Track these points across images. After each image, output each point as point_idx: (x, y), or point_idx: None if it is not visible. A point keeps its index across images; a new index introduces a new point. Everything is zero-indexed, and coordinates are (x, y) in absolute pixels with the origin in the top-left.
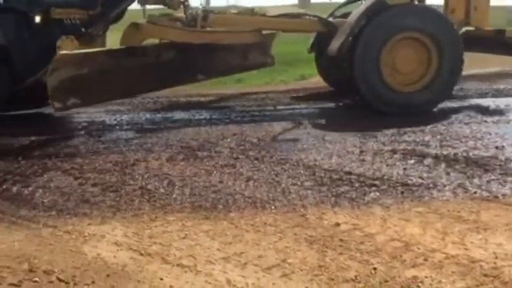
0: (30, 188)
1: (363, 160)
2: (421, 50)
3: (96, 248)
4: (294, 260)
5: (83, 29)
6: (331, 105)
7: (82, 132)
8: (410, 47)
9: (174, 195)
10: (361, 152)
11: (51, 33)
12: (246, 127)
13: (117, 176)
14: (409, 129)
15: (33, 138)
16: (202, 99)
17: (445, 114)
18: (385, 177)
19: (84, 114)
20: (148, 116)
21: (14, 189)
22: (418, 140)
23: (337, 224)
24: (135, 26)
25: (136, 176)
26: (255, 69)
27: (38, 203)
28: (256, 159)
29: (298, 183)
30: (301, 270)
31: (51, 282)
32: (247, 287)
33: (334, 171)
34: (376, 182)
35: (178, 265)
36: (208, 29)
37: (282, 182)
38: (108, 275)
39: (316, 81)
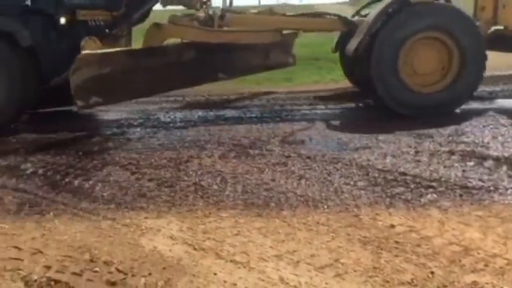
0: (90, 182)
1: (419, 161)
2: (442, 50)
3: (152, 241)
4: (347, 260)
5: (107, 30)
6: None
7: (138, 129)
8: (431, 46)
9: (226, 192)
10: (417, 152)
11: (77, 34)
12: (297, 125)
13: (171, 172)
14: (467, 129)
15: (92, 133)
16: (253, 97)
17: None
18: (443, 179)
19: (140, 112)
20: (200, 113)
21: (76, 182)
22: (477, 141)
23: (392, 226)
24: (156, 26)
25: (190, 172)
26: (276, 69)
27: (98, 196)
28: (308, 157)
29: (351, 182)
30: (355, 271)
31: (110, 272)
32: (300, 286)
33: (389, 172)
34: (433, 184)
35: (231, 261)
36: (225, 28)
37: (334, 181)
38: (164, 268)
39: None
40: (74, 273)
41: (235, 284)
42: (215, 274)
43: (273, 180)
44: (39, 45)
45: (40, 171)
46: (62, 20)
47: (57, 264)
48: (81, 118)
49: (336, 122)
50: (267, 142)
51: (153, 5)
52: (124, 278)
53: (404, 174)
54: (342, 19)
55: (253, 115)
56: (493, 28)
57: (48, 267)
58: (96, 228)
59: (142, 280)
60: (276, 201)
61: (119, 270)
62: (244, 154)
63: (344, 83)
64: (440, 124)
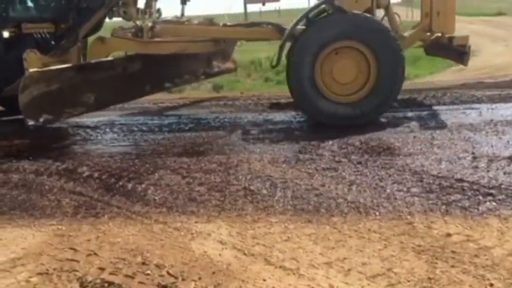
0: (143, 185)
1: (476, 167)
2: (360, 61)
3: (202, 246)
4: (400, 269)
5: (53, 42)
6: (440, 108)
7: (188, 133)
8: (350, 56)
9: (276, 197)
10: (474, 158)
11: (25, 46)
12: (348, 130)
13: (221, 176)
14: None
15: (145, 137)
16: None
17: None
18: (503, 186)
19: (191, 116)
20: (250, 117)
21: (129, 185)
22: None
23: (448, 235)
24: (100, 40)
25: (240, 177)
26: (219, 76)
27: (150, 200)
28: (359, 163)
29: (404, 189)
30: (408, 281)
31: (161, 276)
32: None
33: (444, 178)
34: (492, 191)
35: (281, 267)
36: (156, 39)
37: (386, 187)
38: (213, 273)
39: (421, 82)
40: (126, 276)
41: None
42: (264, 280)
43: (323, 185)
44: None
45: (95, 174)
46: (5, 34)
47: (110, 266)
48: (133, 123)
49: (389, 127)
50: (317, 147)
51: (103, 17)
52: (175, 282)
53: (461, 180)
54: (277, 28)
55: (303, 119)
56: (435, 35)
57: (102, 269)
58: (148, 231)
59: (192, 284)
60: (326, 207)
61: (169, 274)
62: (294, 159)
63: None
64: (501, 131)
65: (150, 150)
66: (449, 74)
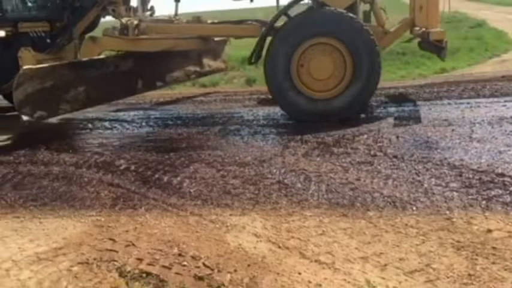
0: (178, 178)
1: None
2: (335, 56)
3: (237, 238)
4: (439, 265)
5: (48, 41)
6: (479, 101)
7: (222, 126)
8: (324, 53)
9: (310, 191)
10: None
11: (21, 44)
12: (383, 123)
13: (255, 170)
14: None
15: (179, 131)
16: None
17: None
18: None
19: (224, 110)
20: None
21: (165, 178)
22: None
23: (489, 230)
24: (91, 39)
25: (274, 170)
26: (210, 75)
27: (185, 192)
28: (395, 157)
29: (443, 183)
30: (448, 277)
31: (198, 267)
32: None
33: (484, 173)
34: None
35: (316, 261)
36: (142, 36)
37: (424, 182)
38: (248, 265)
39: (459, 74)
40: (163, 266)
41: (320, 285)
42: (299, 274)
43: (358, 179)
44: None
45: (132, 167)
46: (2, 33)
47: (148, 257)
48: (168, 117)
49: (425, 120)
50: (351, 140)
51: (98, 15)
52: (210, 274)
53: (502, 175)
54: (264, 25)
55: None
56: (420, 30)
57: (140, 260)
58: (184, 223)
59: (228, 276)
60: (361, 202)
61: (205, 265)
62: (328, 152)
63: (433, 78)
64: None
65: (184, 143)
66: (488, 66)
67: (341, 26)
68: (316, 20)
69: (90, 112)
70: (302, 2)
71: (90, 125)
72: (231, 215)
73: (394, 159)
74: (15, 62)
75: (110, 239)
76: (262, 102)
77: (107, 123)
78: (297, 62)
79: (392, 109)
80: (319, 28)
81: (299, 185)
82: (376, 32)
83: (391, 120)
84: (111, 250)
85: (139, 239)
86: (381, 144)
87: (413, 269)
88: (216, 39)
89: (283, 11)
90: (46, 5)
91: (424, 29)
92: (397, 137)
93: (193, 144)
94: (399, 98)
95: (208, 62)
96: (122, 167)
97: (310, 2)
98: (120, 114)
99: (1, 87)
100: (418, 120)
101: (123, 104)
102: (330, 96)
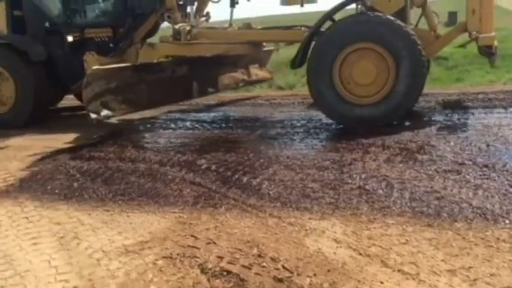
0: (257, 179)
1: None
2: (378, 61)
3: (317, 242)
4: None
5: (111, 45)
6: None
7: (301, 129)
8: (367, 58)
9: (392, 198)
10: None
11: (87, 49)
12: (471, 130)
13: (335, 174)
14: None
15: (258, 133)
16: (420, 99)
17: None
18: None
19: (302, 113)
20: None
21: (244, 179)
22: None
23: None
24: (150, 46)
25: (354, 175)
26: (257, 83)
27: (264, 194)
28: (486, 166)
29: None
30: None
31: (277, 269)
32: None
33: None
34: None
35: (399, 271)
36: (193, 41)
37: None
38: (328, 270)
39: None
40: (243, 266)
41: None
42: (381, 283)
43: (445, 188)
44: (56, 58)
45: (213, 167)
46: (69, 38)
47: (228, 256)
48: (247, 118)
49: None
50: (437, 147)
51: (157, 21)
52: (290, 276)
53: None
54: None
55: (420, 117)
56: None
57: (220, 258)
58: (263, 224)
59: (308, 280)
60: (448, 212)
61: (284, 268)
62: (412, 159)
63: None
64: None
65: (263, 145)
66: None
67: (385, 31)
68: (359, 25)
69: (172, 112)
70: (349, 7)
71: (172, 125)
72: (310, 218)
73: (485, 169)
74: (82, 65)
75: (192, 236)
76: None
77: (188, 124)
78: (340, 66)
79: (481, 115)
80: (363, 33)
81: (381, 192)
82: (427, 36)
83: (480, 127)
84: (193, 247)
85: (220, 237)
86: (469, 152)
87: (505, 285)
88: (263, 49)
89: (328, 15)
90: (110, 12)
91: (476, 34)
92: (488, 145)
93: (272, 146)
94: (488, 103)
95: (255, 71)
96: (203, 167)
97: (359, 6)
98: (201, 115)
99: (71, 87)
100: (510, 128)
101: (203, 105)
102: (371, 102)
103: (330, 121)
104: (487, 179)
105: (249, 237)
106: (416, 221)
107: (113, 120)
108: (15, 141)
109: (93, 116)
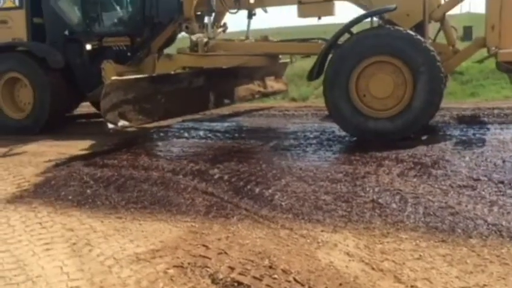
0: (270, 190)
1: None
2: (395, 75)
3: (329, 255)
4: None
5: (129, 54)
6: None
7: (314, 141)
8: (384, 71)
9: (406, 213)
10: None
11: (105, 57)
12: (487, 145)
13: (348, 187)
14: None
15: (271, 144)
16: None
17: None
18: None
19: (315, 124)
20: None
21: (257, 190)
22: None
23: None
24: (167, 57)
25: (367, 189)
26: (273, 95)
27: (276, 205)
28: (501, 182)
29: None
30: None
31: (288, 281)
32: None
33: None
34: None
35: (412, 286)
36: (210, 53)
37: None
38: (340, 284)
39: None
40: (254, 277)
41: None
42: None
43: (459, 204)
44: (74, 65)
45: (225, 176)
46: (88, 46)
47: (239, 267)
48: (262, 129)
49: None
50: (451, 162)
51: (174, 31)
52: None
53: None
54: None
55: (435, 131)
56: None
57: (232, 268)
58: (275, 236)
59: None
60: (463, 228)
61: (296, 280)
62: (426, 173)
63: None
64: None
65: (276, 156)
66: None
67: (404, 46)
68: (377, 38)
69: (186, 121)
70: (367, 20)
71: (186, 134)
72: (322, 231)
73: (500, 185)
74: (99, 73)
75: (203, 246)
76: None
77: (201, 133)
78: (356, 79)
79: (497, 130)
80: (380, 46)
81: (394, 206)
82: (446, 51)
83: (495, 142)
84: (204, 256)
85: (231, 248)
86: (484, 168)
87: None
88: (278, 62)
89: (346, 28)
90: (128, 21)
91: (495, 49)
92: (504, 161)
93: (285, 157)
94: (504, 119)
95: (271, 84)
96: (216, 176)
97: (376, 19)
98: (214, 124)
99: (87, 95)
100: None
101: (217, 115)
102: (387, 116)
103: (344, 133)
104: (502, 195)
105: (260, 249)
106: (430, 237)
107: (129, 128)
108: (31, 147)
109: (110, 126)
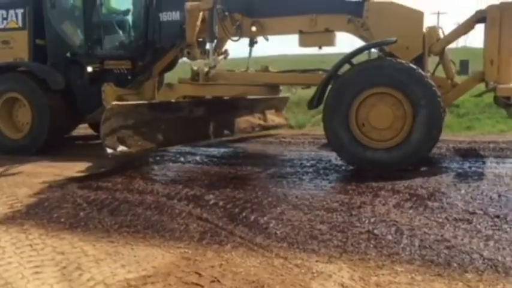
0: (265, 218)
1: None
2: (395, 107)
3: (323, 286)
4: None
5: (129, 77)
6: None
7: (311, 169)
8: (384, 103)
9: (402, 245)
10: None
11: (105, 80)
12: (483, 179)
13: (343, 217)
14: None
15: (268, 171)
16: None
17: None
18: None
19: (312, 152)
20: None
21: (252, 217)
22: None
23: None
24: (168, 86)
25: (363, 219)
26: (272, 129)
27: (271, 233)
28: (497, 216)
29: None
30: None
31: None
32: None
33: None
34: None
35: None
36: (211, 82)
37: None
38: None
39: None
40: None
41: None
42: None
43: (455, 237)
44: (75, 87)
45: (221, 203)
46: (89, 69)
47: None
48: (258, 156)
49: None
50: (447, 195)
51: (176, 56)
52: None
53: None
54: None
55: (432, 163)
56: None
57: None
58: (269, 264)
59: None
60: (458, 262)
61: None
62: (422, 205)
63: None
64: None
65: (272, 183)
66: None
67: (406, 79)
68: (379, 69)
69: (182, 146)
70: (367, 52)
71: (182, 159)
72: (317, 261)
73: (496, 219)
74: (100, 95)
75: (196, 273)
76: None
77: (197, 158)
78: (356, 108)
79: (492, 164)
80: (381, 78)
81: (390, 237)
82: (444, 85)
83: (491, 176)
84: (197, 284)
85: (225, 276)
86: (480, 201)
87: None
88: (279, 96)
89: (347, 58)
90: (130, 45)
91: (494, 84)
92: (499, 195)
93: (281, 185)
94: (500, 153)
95: (271, 117)
96: (210, 202)
97: (376, 51)
98: (211, 150)
99: (87, 116)
100: None
101: (213, 140)
102: (385, 147)
103: (340, 162)
104: (498, 229)
105: (254, 278)
106: (426, 270)
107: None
108: (26, 167)
109: (109, 151)
